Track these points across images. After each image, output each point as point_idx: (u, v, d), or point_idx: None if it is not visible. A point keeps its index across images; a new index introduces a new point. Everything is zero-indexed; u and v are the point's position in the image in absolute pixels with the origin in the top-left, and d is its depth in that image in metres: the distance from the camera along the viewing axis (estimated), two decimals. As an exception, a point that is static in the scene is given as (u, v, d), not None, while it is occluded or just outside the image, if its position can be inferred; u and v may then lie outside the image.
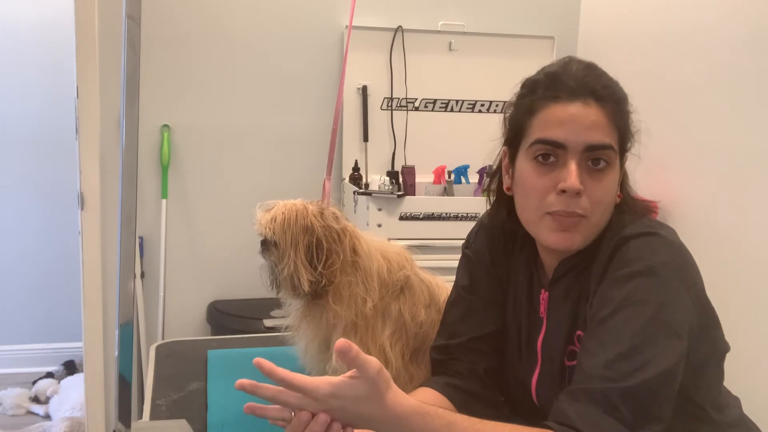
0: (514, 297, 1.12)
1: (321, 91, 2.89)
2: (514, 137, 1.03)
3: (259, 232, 1.21)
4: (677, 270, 0.92)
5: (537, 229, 1.00)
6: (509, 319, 1.13)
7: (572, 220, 0.96)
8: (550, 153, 0.96)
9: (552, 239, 0.98)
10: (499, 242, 1.14)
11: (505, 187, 1.07)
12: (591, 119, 0.94)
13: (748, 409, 1.12)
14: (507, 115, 1.05)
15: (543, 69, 1.02)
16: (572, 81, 0.96)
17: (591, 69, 0.99)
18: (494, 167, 1.11)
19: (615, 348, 0.87)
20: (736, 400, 1.11)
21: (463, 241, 1.22)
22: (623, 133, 0.98)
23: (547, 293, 1.06)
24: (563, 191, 0.94)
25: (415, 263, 1.27)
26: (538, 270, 1.08)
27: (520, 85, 1.03)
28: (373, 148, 2.90)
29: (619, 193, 1.01)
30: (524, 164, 1.00)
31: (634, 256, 0.92)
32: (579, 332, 0.99)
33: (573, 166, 0.93)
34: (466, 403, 1.09)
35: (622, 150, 1.00)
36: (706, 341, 0.97)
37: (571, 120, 0.94)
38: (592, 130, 0.94)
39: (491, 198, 1.13)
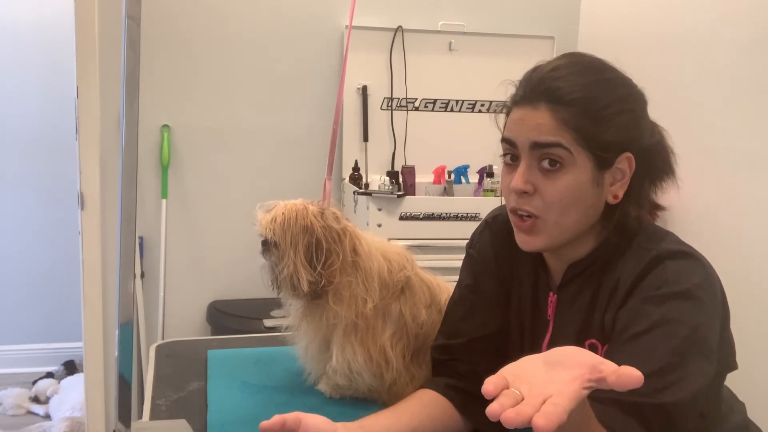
0: (518, 298, 1.12)
1: (321, 91, 2.89)
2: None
3: (259, 233, 1.21)
4: (711, 293, 0.94)
5: (513, 229, 1.03)
6: (512, 320, 1.12)
7: (525, 224, 0.99)
8: (511, 152, 0.99)
9: (518, 240, 1.02)
10: (503, 242, 1.14)
11: None
12: (537, 121, 0.95)
13: (753, 413, 1.11)
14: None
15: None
16: (531, 84, 0.98)
17: (559, 70, 0.97)
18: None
19: (649, 364, 0.87)
20: (741, 405, 1.11)
21: (465, 240, 1.22)
22: (588, 134, 0.94)
23: (555, 296, 1.06)
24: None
25: (416, 263, 1.27)
26: (545, 272, 1.08)
27: None
28: (373, 148, 2.90)
29: (615, 194, 0.99)
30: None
31: (672, 278, 0.93)
32: (592, 341, 0.99)
33: (522, 167, 0.97)
34: (467, 403, 1.09)
35: (593, 151, 0.95)
36: (723, 360, 0.98)
37: (520, 121, 0.97)
38: (537, 130, 0.95)
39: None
